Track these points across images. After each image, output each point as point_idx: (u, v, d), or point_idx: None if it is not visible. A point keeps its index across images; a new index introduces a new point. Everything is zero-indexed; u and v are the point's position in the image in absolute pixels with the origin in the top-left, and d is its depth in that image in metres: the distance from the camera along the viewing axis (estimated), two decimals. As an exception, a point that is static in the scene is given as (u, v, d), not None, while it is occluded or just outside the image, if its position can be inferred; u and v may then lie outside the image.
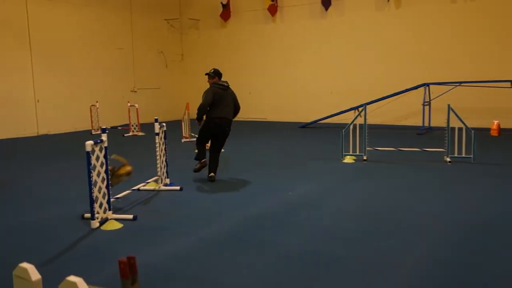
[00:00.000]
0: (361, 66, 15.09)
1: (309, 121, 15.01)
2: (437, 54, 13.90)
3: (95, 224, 4.77)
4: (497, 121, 11.91)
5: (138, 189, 6.32)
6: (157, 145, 6.36)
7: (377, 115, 13.20)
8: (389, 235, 4.42)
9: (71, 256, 4.07)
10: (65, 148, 11.05)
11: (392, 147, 9.13)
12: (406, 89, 13.07)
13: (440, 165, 7.85)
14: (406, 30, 14.35)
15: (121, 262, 1.59)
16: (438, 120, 12.44)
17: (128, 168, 5.60)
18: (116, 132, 13.61)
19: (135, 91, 16.94)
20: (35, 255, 4.03)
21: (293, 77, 16.51)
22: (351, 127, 8.36)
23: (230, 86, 7.14)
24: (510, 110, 12.93)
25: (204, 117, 6.95)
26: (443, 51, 13.81)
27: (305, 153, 9.49)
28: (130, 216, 5.05)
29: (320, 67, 15.92)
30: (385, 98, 13.27)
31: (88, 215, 4.93)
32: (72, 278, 1.57)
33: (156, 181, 6.53)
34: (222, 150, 7.28)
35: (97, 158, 4.82)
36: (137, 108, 13.61)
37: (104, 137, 4.94)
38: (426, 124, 12.81)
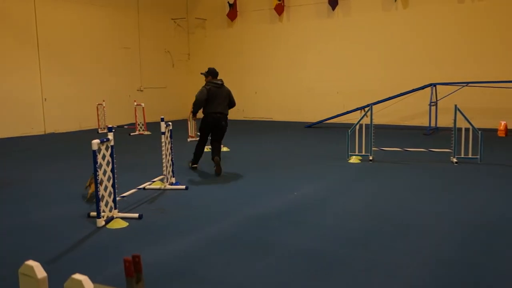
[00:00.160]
0: (367, 66, 15.05)
1: (315, 121, 15.00)
2: (443, 54, 13.83)
3: (100, 222, 4.81)
4: (505, 122, 11.85)
5: (144, 188, 6.36)
6: (163, 144, 6.40)
7: (383, 115, 13.18)
8: (393, 235, 4.42)
9: (77, 254, 4.11)
10: (71, 146, 11.11)
11: (398, 148, 9.11)
12: (413, 89, 13.02)
13: (446, 165, 7.83)
14: (412, 30, 14.29)
15: (126, 260, 1.61)
16: (444, 120, 12.40)
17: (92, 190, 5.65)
18: (122, 131, 13.68)
19: (142, 90, 17.02)
20: (44, 254, 4.07)
21: (299, 77, 16.49)
22: (357, 127, 8.35)
23: (225, 84, 7.65)
24: (517, 111, 12.88)
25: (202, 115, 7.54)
26: (450, 51, 13.75)
27: (310, 153, 9.49)
28: (136, 215, 5.09)
29: (327, 67, 15.89)
30: (392, 98, 13.23)
31: (94, 213, 4.98)
32: (77, 276, 1.59)
33: (161, 180, 6.57)
34: (226, 149, 7.54)
35: (103, 157, 4.86)
36: (143, 107, 13.68)
37: (110, 136, 4.97)
38: (433, 124, 12.75)
